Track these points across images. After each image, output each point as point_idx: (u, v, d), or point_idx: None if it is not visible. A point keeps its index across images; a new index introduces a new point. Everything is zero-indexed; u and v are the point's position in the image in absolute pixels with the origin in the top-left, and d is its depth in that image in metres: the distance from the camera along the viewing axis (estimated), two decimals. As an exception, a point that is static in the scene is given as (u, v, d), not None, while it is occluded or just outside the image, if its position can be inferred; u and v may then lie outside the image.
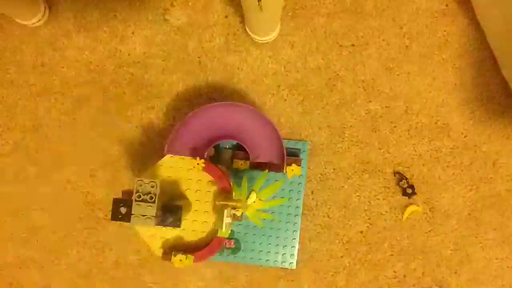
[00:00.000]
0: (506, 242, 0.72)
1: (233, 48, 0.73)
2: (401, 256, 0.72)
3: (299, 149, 0.71)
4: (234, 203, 0.54)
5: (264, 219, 0.67)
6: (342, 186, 0.72)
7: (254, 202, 0.59)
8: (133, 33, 0.73)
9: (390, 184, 0.72)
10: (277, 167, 0.61)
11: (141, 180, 0.51)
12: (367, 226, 0.72)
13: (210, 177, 0.57)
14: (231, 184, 0.57)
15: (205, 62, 0.73)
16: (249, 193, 0.59)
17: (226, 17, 0.73)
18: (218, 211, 0.55)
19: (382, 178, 0.72)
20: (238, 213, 0.58)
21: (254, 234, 0.70)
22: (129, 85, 0.73)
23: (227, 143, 0.68)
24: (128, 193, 0.55)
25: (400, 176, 0.72)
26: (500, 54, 0.69)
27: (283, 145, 0.64)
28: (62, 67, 0.73)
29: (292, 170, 0.59)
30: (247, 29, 0.71)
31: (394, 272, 0.73)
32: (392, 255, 0.72)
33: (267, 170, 0.59)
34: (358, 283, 0.72)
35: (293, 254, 0.70)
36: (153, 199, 0.51)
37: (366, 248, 0.72)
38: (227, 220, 0.54)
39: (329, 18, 0.73)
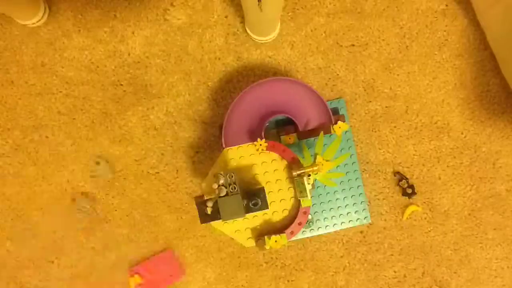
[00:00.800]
0: (506, 242, 0.72)
1: (233, 48, 0.73)
2: (401, 256, 0.72)
3: (337, 108, 0.72)
4: (310, 168, 0.55)
5: (336, 178, 0.69)
6: (342, 186, 0.72)
7: (322, 164, 0.58)
8: (133, 33, 0.73)
9: (390, 184, 0.72)
10: (325, 129, 0.61)
11: (220, 174, 0.51)
12: (367, 226, 0.72)
13: (272, 156, 0.57)
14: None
15: (205, 62, 0.73)
16: (314, 158, 0.58)
17: (226, 17, 0.73)
18: (296, 183, 0.55)
19: (382, 178, 0.72)
20: (311, 181, 0.58)
21: (322, 203, 0.70)
22: (129, 85, 0.73)
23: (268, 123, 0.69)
24: (200, 198, 0.55)
25: (400, 176, 0.72)
26: (500, 54, 0.69)
27: (328, 107, 0.65)
28: (62, 67, 0.73)
29: (340, 127, 0.59)
30: (247, 29, 0.71)
31: (394, 272, 0.73)
32: (392, 255, 0.72)
33: (322, 132, 0.59)
34: (358, 283, 0.72)
35: (365, 209, 0.70)
36: (236, 189, 0.51)
37: (366, 248, 0.72)
38: (308, 187, 0.55)
39: (329, 18, 0.73)
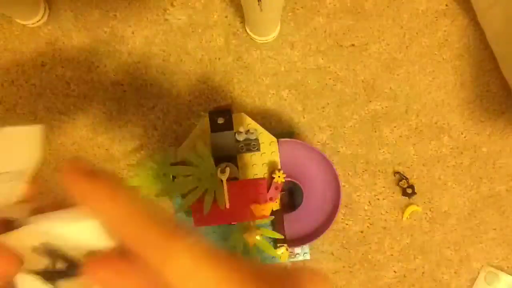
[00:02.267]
0: (506, 242, 0.72)
1: (233, 48, 0.73)
2: (401, 256, 0.72)
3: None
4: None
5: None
6: (343, 186, 0.72)
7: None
8: (133, 33, 0.73)
9: (390, 184, 0.72)
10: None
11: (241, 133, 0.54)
12: (367, 226, 0.72)
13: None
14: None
15: (205, 62, 0.73)
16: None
17: (226, 17, 0.73)
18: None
19: (382, 178, 0.72)
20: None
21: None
22: (129, 85, 0.73)
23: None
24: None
25: (400, 176, 0.72)
26: (500, 54, 0.69)
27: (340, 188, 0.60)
28: (62, 67, 0.73)
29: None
30: (247, 29, 0.71)
31: (394, 272, 0.73)
32: (392, 255, 0.72)
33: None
34: (358, 283, 0.72)
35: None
36: (256, 147, 0.55)
37: (366, 248, 0.72)
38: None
39: (329, 18, 0.73)
